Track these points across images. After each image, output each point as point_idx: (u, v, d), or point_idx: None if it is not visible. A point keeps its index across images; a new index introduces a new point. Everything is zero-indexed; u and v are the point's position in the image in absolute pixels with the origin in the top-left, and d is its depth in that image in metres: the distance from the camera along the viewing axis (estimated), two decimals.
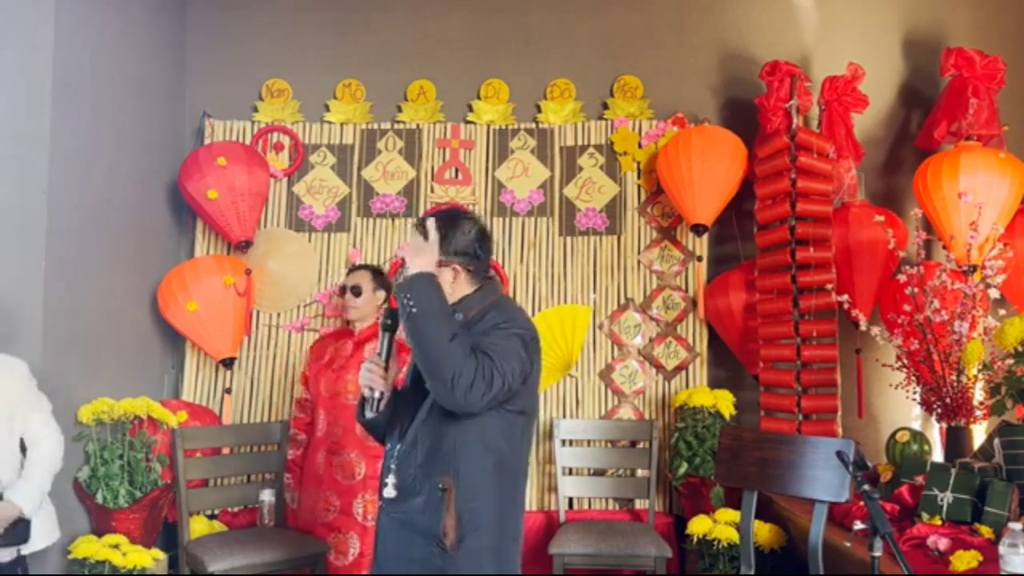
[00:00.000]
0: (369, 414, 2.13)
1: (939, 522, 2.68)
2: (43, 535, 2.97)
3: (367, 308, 3.65)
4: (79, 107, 3.54)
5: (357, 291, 3.63)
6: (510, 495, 2.10)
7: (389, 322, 2.13)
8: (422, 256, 2.09)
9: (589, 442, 4.04)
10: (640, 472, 3.94)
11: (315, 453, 3.60)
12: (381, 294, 3.69)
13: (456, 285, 2.12)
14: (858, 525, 2.47)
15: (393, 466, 2.07)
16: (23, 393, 2.95)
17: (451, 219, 2.14)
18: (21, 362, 3.01)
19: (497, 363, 1.95)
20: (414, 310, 1.96)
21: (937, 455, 3.56)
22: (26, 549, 2.88)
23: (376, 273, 3.72)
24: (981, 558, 2.37)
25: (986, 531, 2.56)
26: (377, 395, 2.10)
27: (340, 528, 3.49)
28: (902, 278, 3.44)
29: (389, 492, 2.05)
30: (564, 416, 4.14)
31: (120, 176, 3.87)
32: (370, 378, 2.09)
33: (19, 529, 2.81)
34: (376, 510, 3.46)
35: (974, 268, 3.54)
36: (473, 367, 1.92)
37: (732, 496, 3.58)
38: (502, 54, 4.50)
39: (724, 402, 3.90)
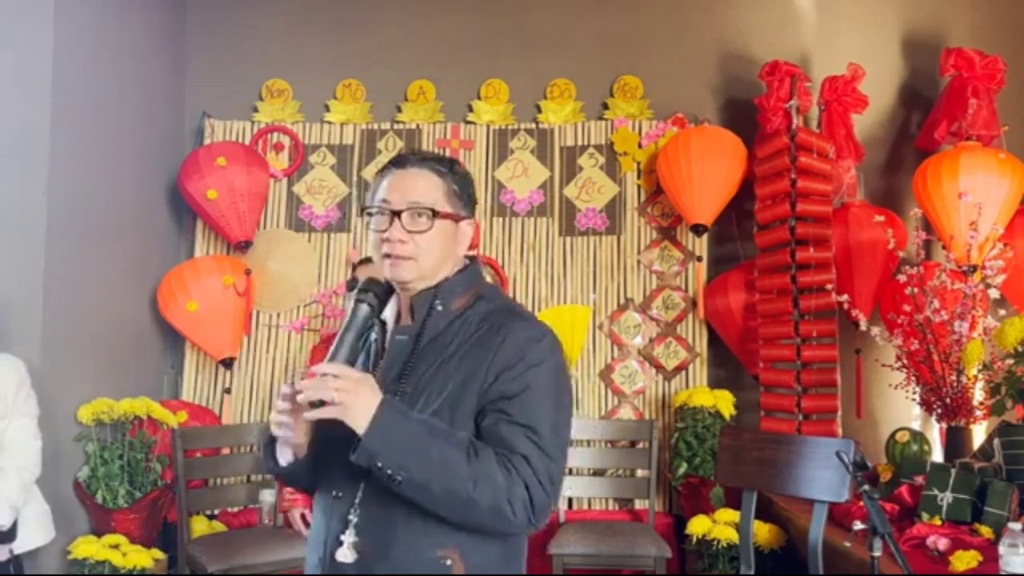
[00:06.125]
0: (283, 461, 1.49)
1: (939, 522, 2.68)
2: (36, 535, 2.97)
3: None
4: (79, 107, 3.54)
5: None
6: (521, 544, 1.54)
7: (365, 305, 1.49)
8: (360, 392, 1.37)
9: (589, 442, 4.03)
10: (640, 472, 3.94)
11: None
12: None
13: (460, 250, 1.57)
14: (858, 525, 2.47)
15: (353, 518, 1.43)
16: (15, 394, 2.94)
17: (454, 161, 1.60)
18: (19, 361, 3.00)
19: (548, 450, 1.42)
20: (400, 478, 1.35)
21: (937, 455, 3.55)
22: (20, 548, 2.87)
23: None
24: (981, 558, 2.37)
25: (986, 531, 2.56)
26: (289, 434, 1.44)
27: None
28: (902, 278, 3.44)
29: (344, 555, 1.41)
30: None
31: (120, 176, 3.87)
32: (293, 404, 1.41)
33: (4, 530, 2.81)
34: None
35: (974, 268, 3.54)
36: (522, 478, 1.38)
37: (732, 496, 3.58)
38: (502, 54, 4.50)
39: (724, 402, 3.90)
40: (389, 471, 1.34)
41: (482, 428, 1.43)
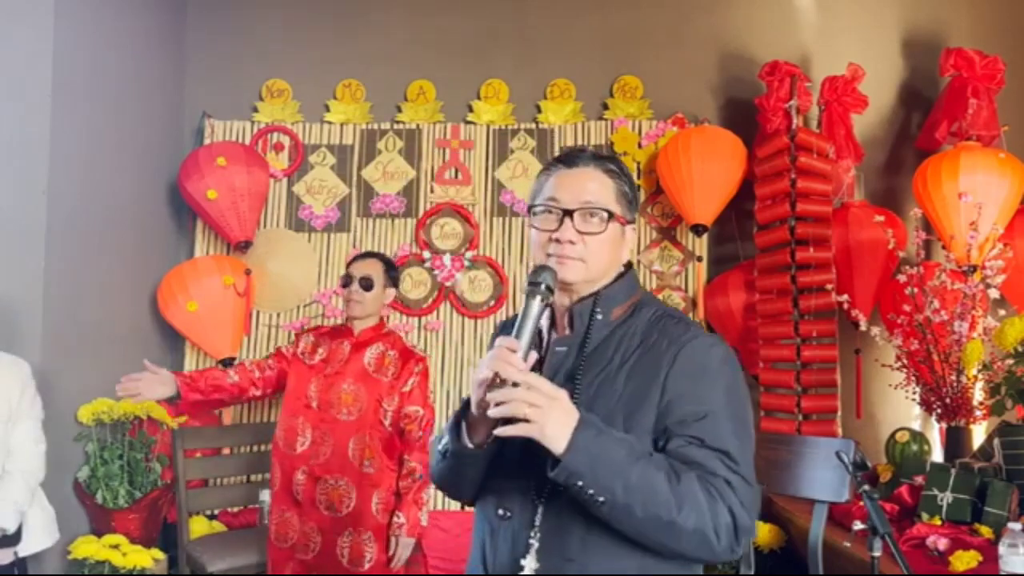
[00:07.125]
0: (477, 440, 1.35)
1: (939, 522, 2.68)
2: (41, 537, 2.96)
3: (374, 305, 3.01)
4: (79, 107, 3.54)
5: (367, 283, 2.98)
6: (698, 570, 1.48)
7: (542, 285, 1.36)
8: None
9: None
10: None
11: (292, 472, 2.92)
12: (391, 292, 3.08)
13: (623, 256, 1.51)
14: (858, 525, 2.47)
15: (534, 543, 1.35)
16: (20, 396, 2.93)
17: (622, 162, 1.53)
18: (23, 362, 3.00)
19: (746, 475, 1.34)
20: (602, 499, 1.26)
21: (937, 455, 3.56)
22: (24, 550, 2.87)
23: (389, 266, 3.09)
24: (981, 558, 2.37)
25: (986, 531, 2.56)
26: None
27: (320, 570, 2.88)
28: (902, 278, 3.44)
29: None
30: None
31: (120, 176, 3.87)
32: (500, 369, 1.27)
33: (9, 533, 2.80)
34: (367, 551, 2.84)
35: (974, 268, 3.54)
36: (726, 503, 1.29)
37: None
38: (502, 54, 4.50)
39: None
40: (591, 492, 1.25)
41: (669, 450, 1.33)
